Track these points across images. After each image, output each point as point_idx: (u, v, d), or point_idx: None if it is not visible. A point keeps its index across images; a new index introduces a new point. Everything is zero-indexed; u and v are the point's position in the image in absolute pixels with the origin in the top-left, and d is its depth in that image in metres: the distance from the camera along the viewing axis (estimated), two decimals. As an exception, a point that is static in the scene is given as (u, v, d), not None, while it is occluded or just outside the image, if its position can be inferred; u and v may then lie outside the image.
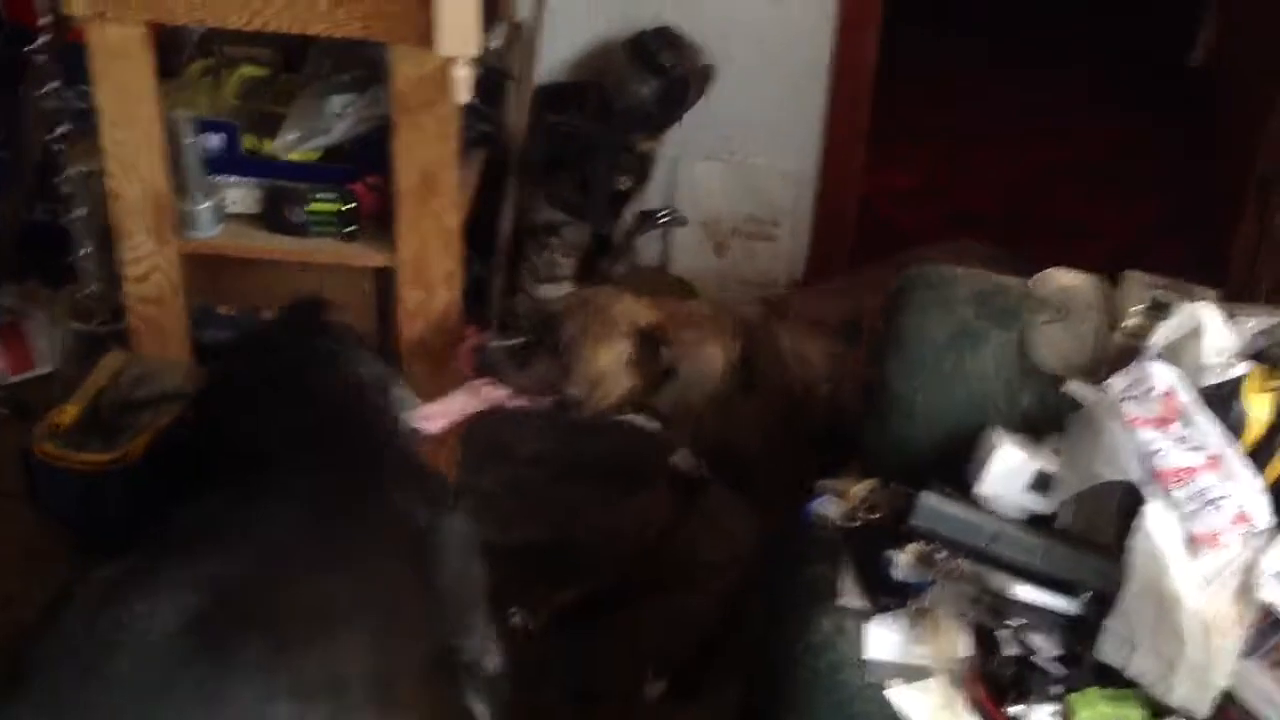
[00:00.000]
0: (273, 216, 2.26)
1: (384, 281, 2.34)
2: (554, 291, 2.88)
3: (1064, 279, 1.75)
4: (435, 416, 1.97)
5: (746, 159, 3.05)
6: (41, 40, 2.11)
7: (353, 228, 2.25)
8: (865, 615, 1.55)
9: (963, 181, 3.76)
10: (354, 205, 2.25)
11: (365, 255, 2.26)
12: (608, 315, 2.00)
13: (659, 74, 2.75)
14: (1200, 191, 3.60)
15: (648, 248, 3.11)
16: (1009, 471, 1.58)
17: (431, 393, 2.21)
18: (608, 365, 1.97)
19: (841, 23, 2.88)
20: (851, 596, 1.58)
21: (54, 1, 2.11)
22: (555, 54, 2.89)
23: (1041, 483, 1.59)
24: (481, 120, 2.48)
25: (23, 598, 1.85)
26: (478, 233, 2.61)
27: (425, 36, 1.98)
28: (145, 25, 2.05)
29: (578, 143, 2.73)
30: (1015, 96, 4.11)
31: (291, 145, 2.22)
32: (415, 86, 2.08)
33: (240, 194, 2.27)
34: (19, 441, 2.18)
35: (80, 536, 2.03)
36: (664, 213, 3.03)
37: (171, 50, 2.36)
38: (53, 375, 2.62)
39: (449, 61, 2.00)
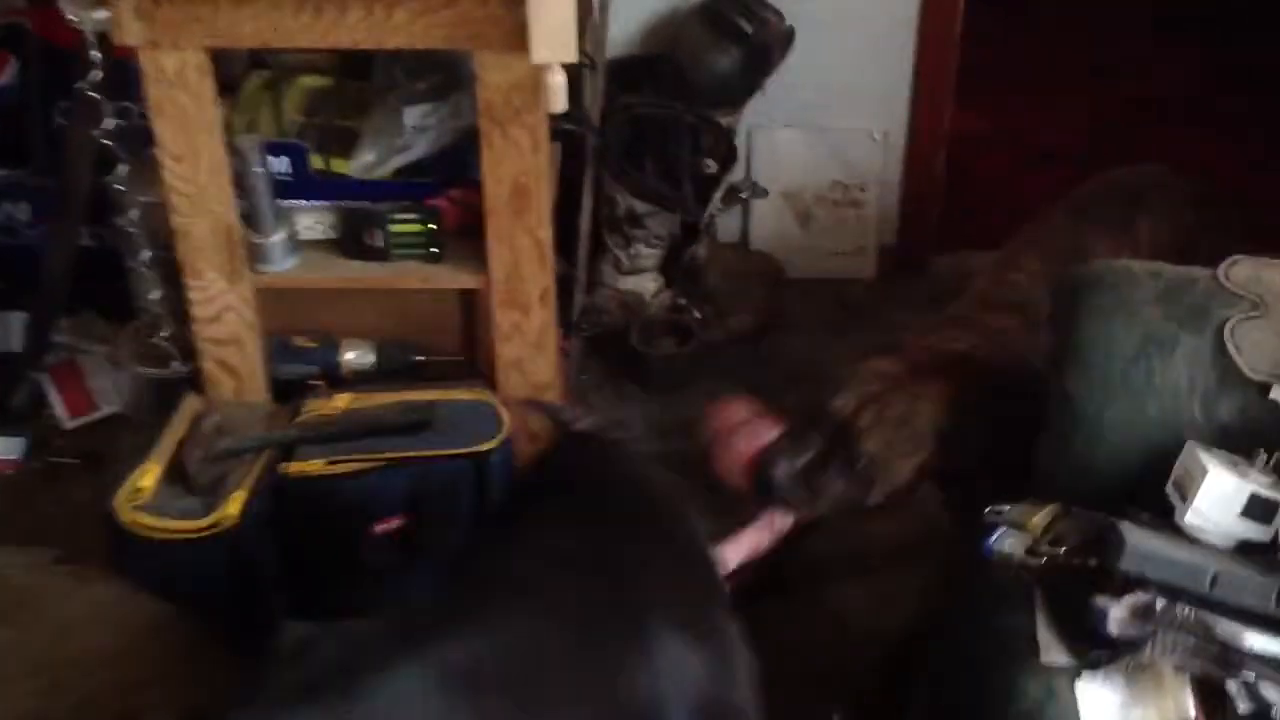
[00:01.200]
0: (351, 242, 2.14)
1: (469, 302, 2.23)
2: (638, 284, 2.76)
3: (1257, 267, 1.62)
4: (729, 556, 1.90)
5: (829, 123, 2.91)
6: (92, 76, 1.97)
7: (438, 248, 2.14)
8: (1073, 673, 1.46)
9: (1042, 121, 3.62)
10: (437, 224, 2.13)
11: (454, 277, 2.14)
12: (913, 428, 1.90)
13: (739, 42, 2.60)
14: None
15: (725, 222, 2.99)
16: (1222, 497, 1.47)
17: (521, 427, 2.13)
18: (912, 474, 1.91)
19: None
20: (1053, 650, 1.48)
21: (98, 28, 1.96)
22: (621, 26, 2.75)
23: (1256, 507, 1.48)
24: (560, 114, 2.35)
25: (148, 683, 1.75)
26: (557, 228, 2.49)
27: (516, 42, 1.85)
28: (205, 51, 1.92)
29: (657, 124, 2.60)
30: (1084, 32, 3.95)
31: (370, 166, 2.09)
32: (505, 95, 1.95)
33: (312, 219, 2.15)
34: (94, 498, 2.10)
35: (182, 609, 1.95)
36: (744, 186, 2.90)
37: (221, 63, 2.23)
38: (119, 418, 2.52)
39: (543, 68, 1.87)
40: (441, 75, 2.11)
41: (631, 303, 2.74)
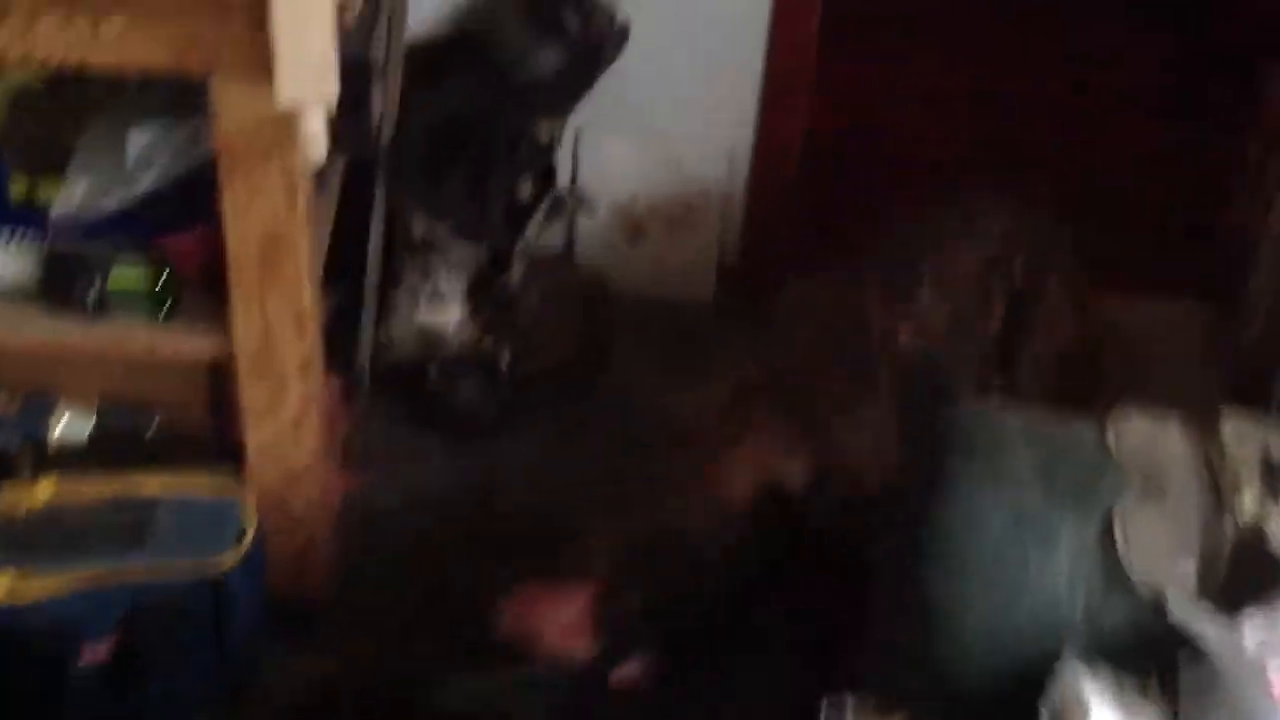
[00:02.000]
0: (56, 292, 1.74)
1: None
2: (438, 316, 2.40)
3: (1152, 429, 1.37)
4: None
5: (666, 129, 2.57)
6: None
7: (170, 305, 1.75)
8: None
9: (901, 115, 3.34)
10: (170, 274, 1.75)
11: (189, 343, 1.76)
12: None
13: (563, 40, 2.24)
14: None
15: (546, 233, 2.64)
16: (1103, 738, 1.24)
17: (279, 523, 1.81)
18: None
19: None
20: None
21: None
22: (426, 4, 2.36)
23: (1143, 749, 1.25)
24: (339, 119, 1.96)
25: None
26: (338, 252, 2.12)
27: (264, 70, 1.47)
28: None
29: (464, 129, 2.22)
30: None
31: (81, 201, 1.69)
32: (252, 132, 1.56)
33: (6, 259, 1.74)
34: None
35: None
36: (568, 196, 2.55)
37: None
38: None
39: (297, 107, 1.50)
40: (179, 87, 1.71)
41: (431, 337, 2.39)
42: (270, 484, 1.84)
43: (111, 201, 1.70)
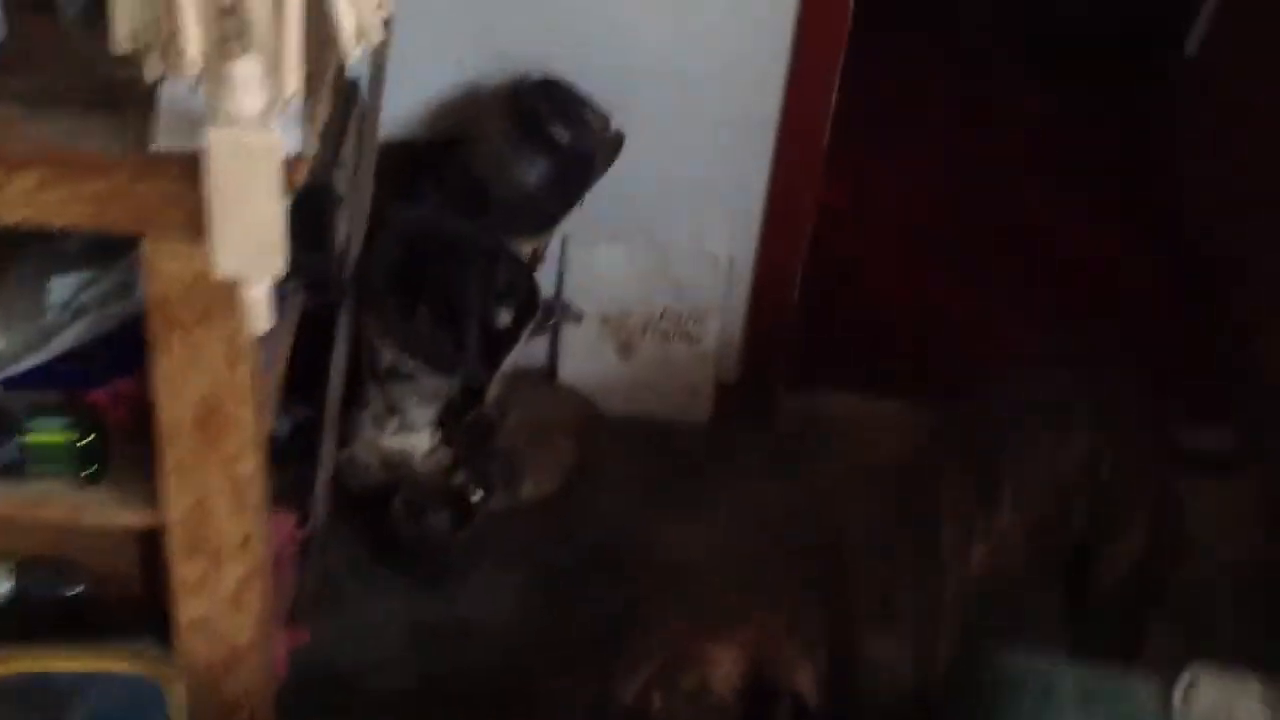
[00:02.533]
0: (-33, 448, 1.56)
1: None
2: (406, 442, 2.22)
3: (1224, 691, 1.20)
4: None
5: (662, 239, 2.41)
6: None
7: (96, 466, 1.57)
8: None
9: (902, 197, 3.18)
10: (98, 433, 1.57)
11: (115, 513, 1.58)
12: (714, 694, 1.63)
13: (551, 152, 2.07)
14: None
15: (530, 347, 2.47)
16: None
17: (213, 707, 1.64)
18: None
19: (796, 70, 2.23)
20: None
21: None
22: (403, 100, 2.19)
23: None
24: (297, 250, 1.79)
25: None
26: (299, 370, 1.95)
27: (199, 230, 1.30)
28: None
29: (437, 247, 2.05)
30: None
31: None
32: (188, 295, 1.39)
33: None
34: None
35: None
36: (555, 308, 2.38)
37: None
38: None
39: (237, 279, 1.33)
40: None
41: (396, 464, 2.21)
42: (203, 664, 1.66)
43: (31, 360, 1.52)
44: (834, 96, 2.31)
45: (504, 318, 2.06)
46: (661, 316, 2.47)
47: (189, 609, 1.63)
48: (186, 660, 1.65)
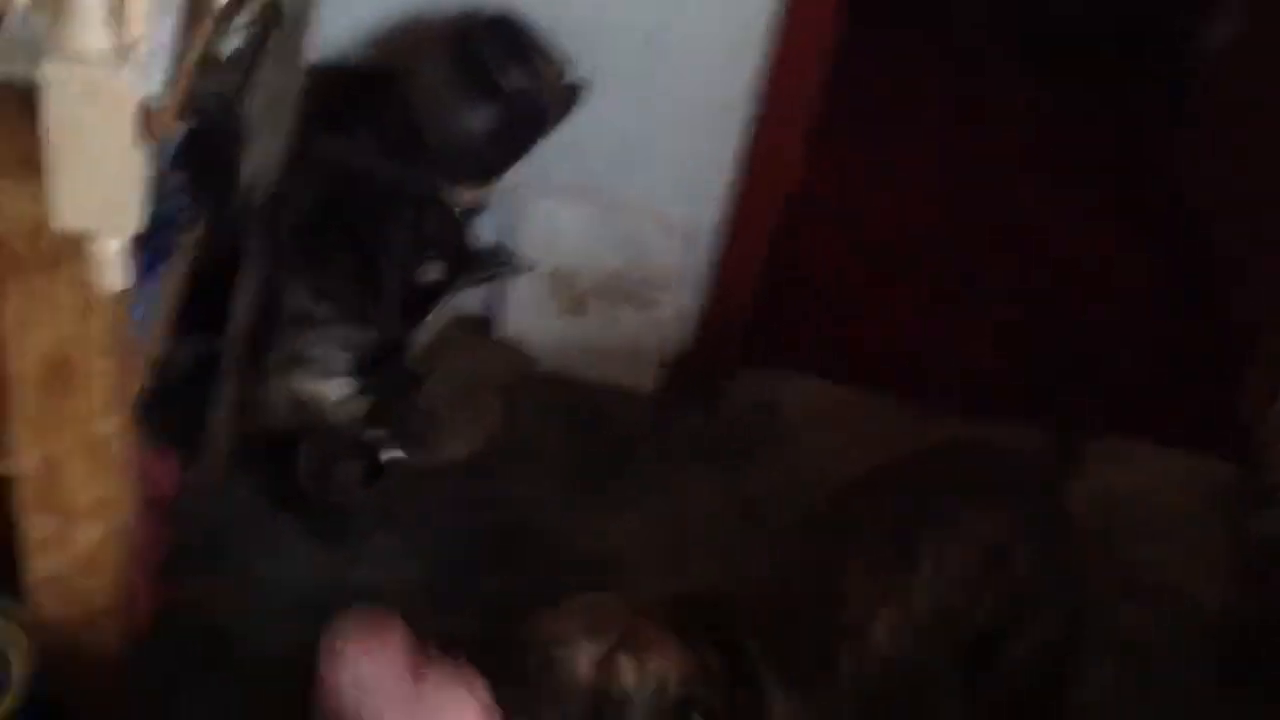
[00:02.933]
0: None
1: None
2: (318, 388, 2.10)
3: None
4: None
5: (620, 200, 2.27)
6: None
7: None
8: None
9: (881, 201, 3.03)
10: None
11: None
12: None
13: (496, 99, 1.92)
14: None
15: (467, 294, 2.34)
16: None
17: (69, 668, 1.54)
18: None
19: (781, 39, 2.08)
20: None
21: None
22: (341, 21, 2.04)
23: None
24: (197, 180, 1.65)
25: None
26: (200, 300, 1.83)
27: (37, 168, 1.17)
28: None
29: (360, 190, 1.92)
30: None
31: None
32: (31, 236, 1.26)
33: None
34: None
35: None
36: (499, 256, 2.24)
37: None
38: None
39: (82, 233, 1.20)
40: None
41: (307, 410, 2.09)
42: (57, 623, 1.56)
43: None
44: (819, 74, 2.16)
45: (430, 272, 1.93)
46: (614, 278, 2.34)
47: (39, 566, 1.53)
48: (38, 618, 1.55)
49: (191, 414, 1.98)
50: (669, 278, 2.34)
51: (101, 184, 1.13)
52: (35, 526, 1.50)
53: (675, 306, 2.38)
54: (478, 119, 1.93)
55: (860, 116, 3.08)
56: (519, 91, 1.92)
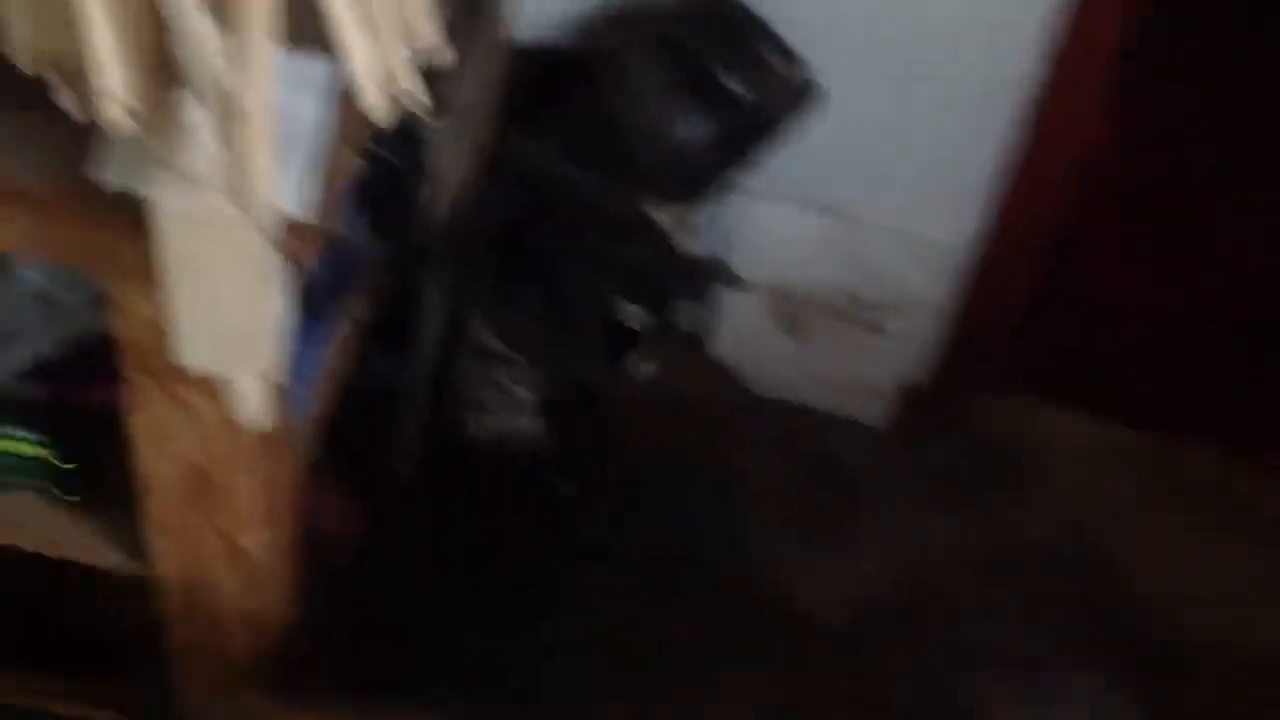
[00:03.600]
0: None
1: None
2: (508, 422, 1.90)
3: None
4: None
5: (856, 212, 1.97)
6: None
7: (76, 497, 1.29)
8: None
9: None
10: (79, 452, 1.28)
11: (99, 553, 1.30)
12: None
13: (717, 104, 1.65)
14: None
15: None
16: None
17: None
18: None
19: (1075, 20, 1.74)
20: None
21: None
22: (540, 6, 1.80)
23: None
24: (375, 208, 1.45)
25: None
26: (388, 322, 1.64)
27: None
28: None
29: (554, 208, 1.68)
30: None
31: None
32: (164, 340, 1.07)
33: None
34: None
35: None
36: (715, 271, 1.99)
37: None
38: None
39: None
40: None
41: (493, 444, 1.89)
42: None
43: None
44: (1114, 70, 1.81)
45: (629, 312, 1.68)
46: (844, 299, 2.06)
47: (184, 670, 1.37)
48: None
49: (372, 449, 1.82)
50: (908, 300, 2.05)
51: (226, 323, 0.92)
52: (178, 633, 1.34)
53: (913, 331, 2.09)
54: (694, 127, 1.66)
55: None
56: (744, 95, 1.64)
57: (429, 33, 0.93)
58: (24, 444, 1.28)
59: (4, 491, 1.28)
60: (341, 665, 1.70)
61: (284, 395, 1.11)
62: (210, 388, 1.10)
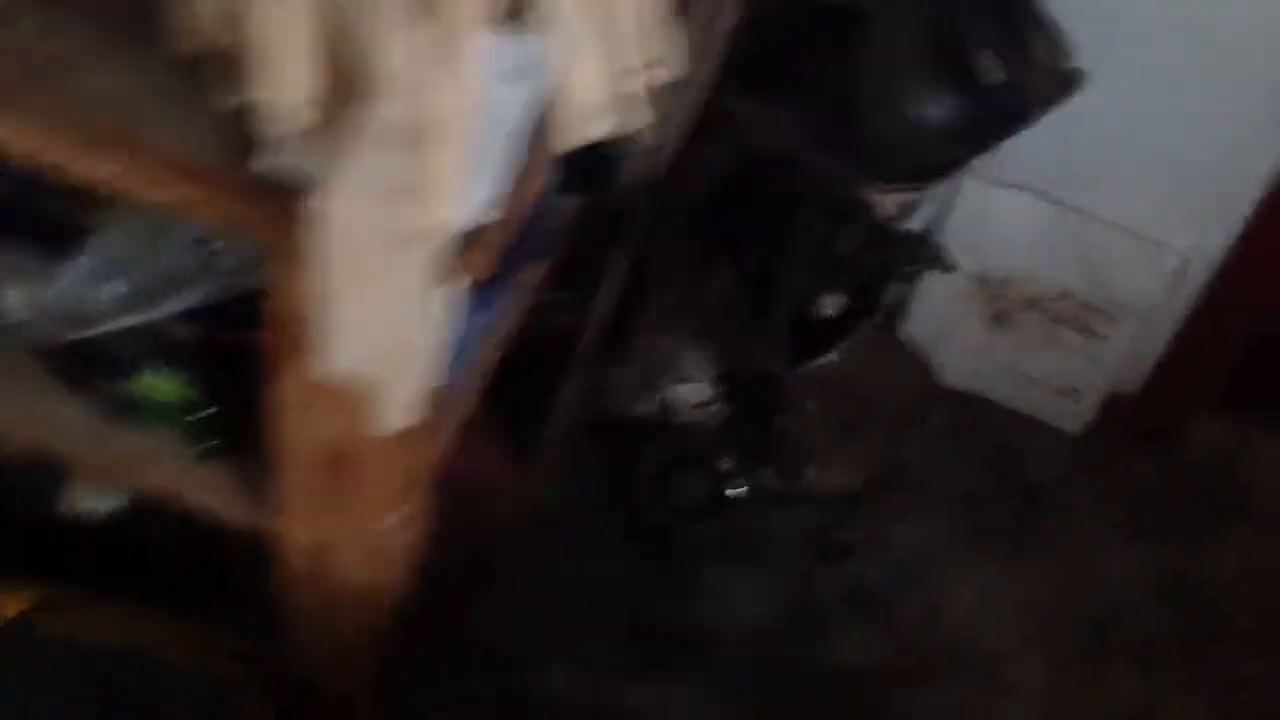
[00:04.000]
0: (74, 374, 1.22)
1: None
2: (683, 391, 1.76)
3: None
4: None
5: (1089, 207, 1.77)
6: None
7: (214, 442, 1.21)
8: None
9: None
10: (217, 404, 1.19)
11: (224, 503, 1.21)
12: None
13: (968, 89, 1.46)
14: None
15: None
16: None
17: None
18: None
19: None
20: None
21: None
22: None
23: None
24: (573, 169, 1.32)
25: None
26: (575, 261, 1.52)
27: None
28: None
29: (769, 180, 1.52)
30: None
31: (91, 311, 1.12)
32: (305, 330, 0.96)
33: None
34: None
35: None
36: (923, 252, 1.81)
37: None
38: None
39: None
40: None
41: (661, 403, 1.77)
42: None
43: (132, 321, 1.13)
44: None
45: (830, 305, 1.53)
46: (1060, 298, 1.87)
47: (297, 632, 1.30)
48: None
49: (535, 404, 1.71)
50: (1132, 307, 1.85)
51: (381, 332, 0.81)
52: (296, 601, 1.26)
53: (1127, 337, 1.89)
54: (937, 110, 1.47)
55: None
56: (996, 86, 1.45)
57: (662, 45, 0.78)
58: (171, 384, 1.20)
59: (145, 428, 1.22)
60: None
61: (435, 392, 1.00)
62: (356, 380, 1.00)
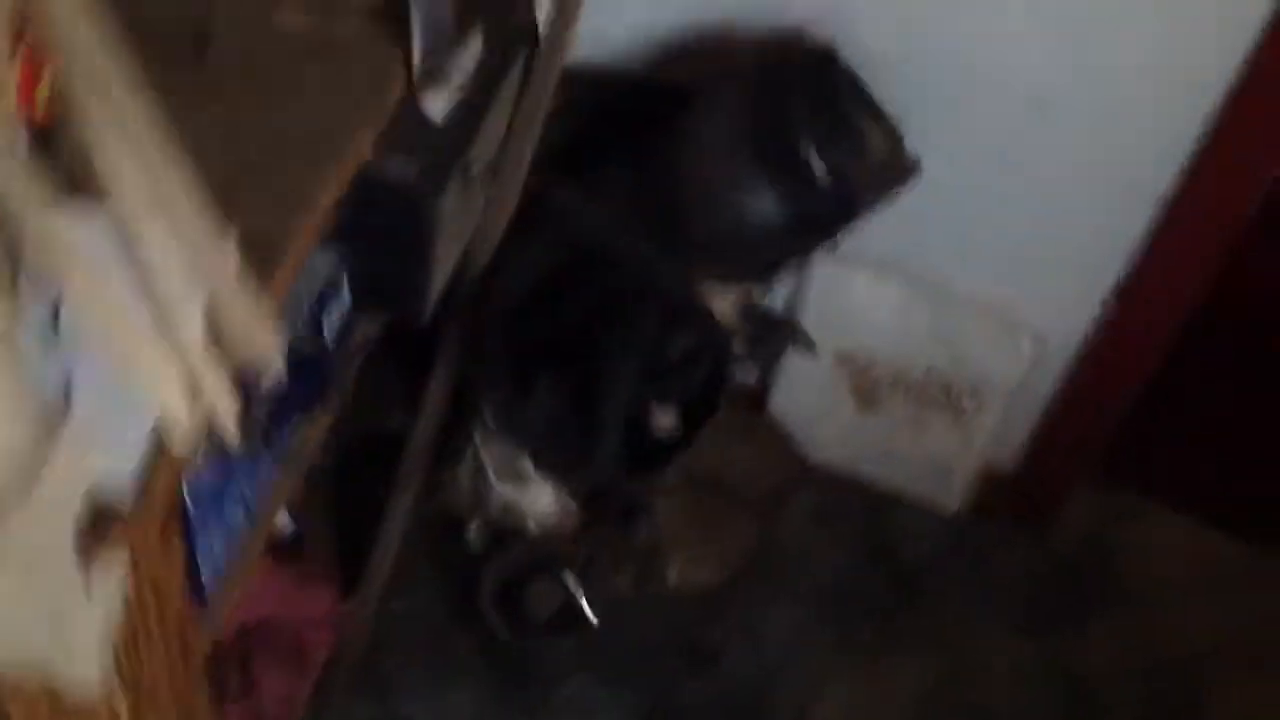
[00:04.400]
0: None
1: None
2: (521, 493, 1.66)
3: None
4: None
5: (949, 286, 1.70)
6: None
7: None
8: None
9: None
10: None
11: None
12: None
13: (800, 184, 1.38)
14: None
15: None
16: None
17: None
18: None
19: (1241, 88, 1.43)
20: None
21: None
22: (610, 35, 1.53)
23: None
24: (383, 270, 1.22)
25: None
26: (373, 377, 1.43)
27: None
28: None
29: (594, 277, 1.42)
30: None
31: None
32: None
33: None
34: None
35: None
36: (781, 332, 1.73)
37: None
38: None
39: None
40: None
41: (501, 512, 1.67)
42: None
43: None
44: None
45: (665, 418, 1.43)
46: (925, 376, 1.80)
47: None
48: None
49: (358, 518, 1.61)
50: (995, 386, 1.78)
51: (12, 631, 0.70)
52: None
53: (995, 415, 1.82)
54: (769, 205, 1.39)
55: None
56: (825, 181, 1.37)
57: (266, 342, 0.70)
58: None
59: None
60: None
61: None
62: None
